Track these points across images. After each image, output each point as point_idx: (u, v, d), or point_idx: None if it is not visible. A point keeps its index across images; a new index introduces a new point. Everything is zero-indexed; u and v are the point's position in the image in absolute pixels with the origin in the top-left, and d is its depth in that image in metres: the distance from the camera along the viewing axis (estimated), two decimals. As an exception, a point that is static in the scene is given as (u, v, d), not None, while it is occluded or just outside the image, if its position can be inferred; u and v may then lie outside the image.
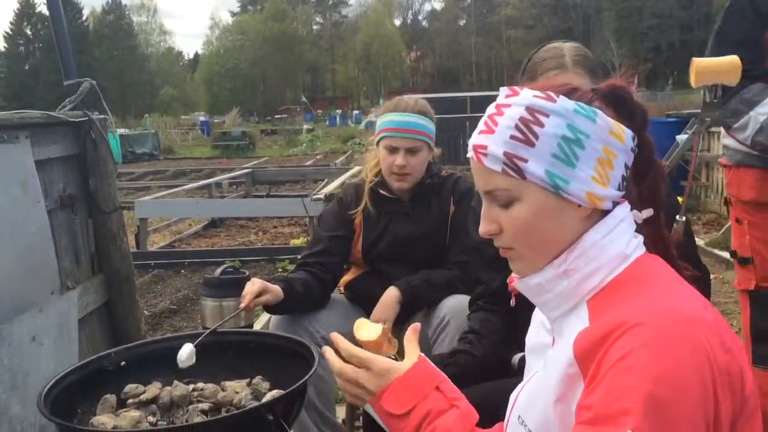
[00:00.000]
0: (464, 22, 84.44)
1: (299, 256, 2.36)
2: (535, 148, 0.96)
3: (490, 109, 1.03)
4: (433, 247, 2.27)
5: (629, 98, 1.02)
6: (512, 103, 1.00)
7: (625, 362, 0.85)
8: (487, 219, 1.03)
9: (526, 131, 0.97)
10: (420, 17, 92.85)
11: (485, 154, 0.99)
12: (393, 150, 2.20)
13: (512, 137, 0.97)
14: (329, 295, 2.29)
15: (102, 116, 2.42)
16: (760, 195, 2.13)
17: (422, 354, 1.11)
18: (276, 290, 2.02)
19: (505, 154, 0.97)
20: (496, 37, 77.27)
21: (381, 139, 2.23)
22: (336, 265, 2.29)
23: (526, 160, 0.96)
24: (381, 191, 2.29)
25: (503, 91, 1.03)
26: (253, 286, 1.96)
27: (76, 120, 2.30)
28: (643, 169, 1.03)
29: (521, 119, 0.98)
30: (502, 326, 1.75)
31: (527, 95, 0.99)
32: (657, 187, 1.04)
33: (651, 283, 0.95)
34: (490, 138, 0.99)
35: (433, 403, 1.04)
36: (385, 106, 2.31)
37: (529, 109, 0.98)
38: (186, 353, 1.50)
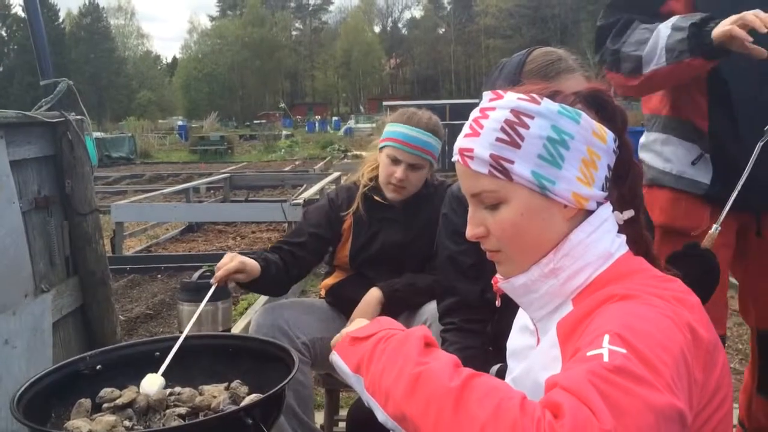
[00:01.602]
0: (443, 30, 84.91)
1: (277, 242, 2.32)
2: (521, 149, 0.97)
3: (475, 113, 1.04)
4: (421, 254, 2.25)
5: (610, 101, 1.03)
6: (497, 106, 1.00)
7: (606, 310, 0.88)
8: (474, 222, 1.03)
9: (512, 133, 0.97)
10: (400, 25, 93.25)
11: (471, 157, 1.00)
12: (395, 161, 2.18)
13: (498, 139, 0.98)
14: (288, 288, 2.26)
15: (79, 117, 2.38)
16: (670, 220, 1.94)
17: None
18: (252, 269, 1.99)
19: (492, 156, 0.98)
20: (475, 46, 77.83)
21: (386, 146, 2.21)
22: (307, 263, 2.26)
23: (512, 162, 0.97)
24: (375, 197, 2.27)
25: (487, 95, 1.04)
26: (231, 262, 1.92)
27: (53, 120, 2.26)
28: (623, 171, 1.05)
29: (506, 121, 0.98)
30: (481, 343, 1.72)
31: (512, 98, 1.00)
32: (636, 189, 1.06)
33: (635, 279, 0.96)
34: (476, 141, 1.00)
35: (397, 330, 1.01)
36: (398, 114, 2.26)
37: (514, 112, 0.98)
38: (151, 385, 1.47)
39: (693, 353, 0.83)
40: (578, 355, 0.81)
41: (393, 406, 0.86)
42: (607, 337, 0.79)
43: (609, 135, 1.00)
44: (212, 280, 1.89)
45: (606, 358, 0.76)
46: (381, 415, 0.90)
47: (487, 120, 1.00)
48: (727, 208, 1.67)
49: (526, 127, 0.97)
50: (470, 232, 1.04)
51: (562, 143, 0.97)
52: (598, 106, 1.02)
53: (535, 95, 0.99)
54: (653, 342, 0.79)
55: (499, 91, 1.03)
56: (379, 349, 0.94)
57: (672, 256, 1.10)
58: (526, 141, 0.97)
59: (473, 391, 0.78)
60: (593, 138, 0.99)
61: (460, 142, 1.02)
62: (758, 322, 2.12)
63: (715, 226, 1.64)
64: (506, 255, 1.03)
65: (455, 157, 1.03)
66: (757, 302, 2.08)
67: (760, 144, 1.68)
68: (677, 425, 0.75)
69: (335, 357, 1.04)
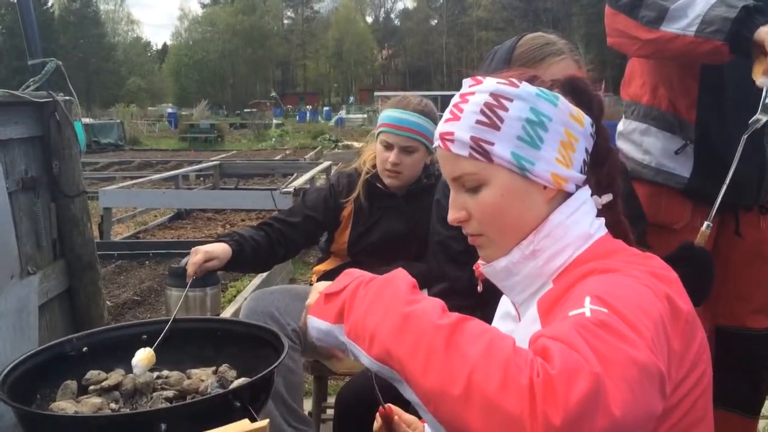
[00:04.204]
0: (436, 22, 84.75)
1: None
2: (501, 131, 0.99)
3: (455, 98, 1.06)
4: (420, 245, 2.24)
5: (586, 88, 1.06)
6: (476, 91, 1.03)
7: (587, 281, 0.89)
8: (456, 206, 1.05)
9: (491, 115, 0.99)
10: (392, 15, 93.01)
11: (452, 141, 1.01)
12: (388, 146, 2.17)
13: (478, 122, 1.00)
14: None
15: (67, 98, 2.35)
16: (651, 215, 1.84)
17: None
18: (222, 254, 1.98)
19: (472, 138, 0.99)
20: (467, 38, 77.74)
21: (379, 133, 2.21)
22: (295, 245, 2.24)
23: (492, 143, 0.99)
24: (378, 184, 2.25)
25: (467, 81, 1.07)
26: (195, 256, 1.92)
27: (41, 100, 2.23)
28: (601, 156, 1.07)
29: (486, 104, 1.00)
30: None
31: (491, 83, 1.02)
32: (614, 175, 1.09)
33: (615, 257, 0.97)
34: (457, 124, 1.02)
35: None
36: (391, 101, 2.27)
37: (494, 95, 1.00)
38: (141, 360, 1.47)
39: (672, 323, 0.84)
40: (560, 317, 0.82)
41: (378, 347, 0.84)
42: (588, 299, 0.80)
43: (586, 119, 1.03)
44: (187, 278, 1.88)
45: (588, 314, 0.77)
46: (365, 360, 0.88)
47: (467, 104, 1.02)
48: (718, 202, 1.64)
49: (506, 109, 0.99)
50: (452, 215, 1.05)
51: (541, 125, 0.99)
52: (575, 92, 1.04)
53: (513, 79, 1.01)
54: (633, 306, 0.80)
55: (479, 77, 1.05)
56: (360, 294, 0.93)
57: (667, 259, 1.09)
58: (506, 123, 0.98)
59: (465, 331, 0.78)
60: (571, 121, 1.01)
61: (441, 127, 1.04)
62: (722, 319, 2.03)
63: (706, 223, 1.62)
64: (487, 238, 1.04)
65: (436, 143, 1.05)
66: (719, 299, 1.97)
67: (744, 136, 1.62)
68: (657, 385, 0.74)
69: (312, 319, 1.02)
